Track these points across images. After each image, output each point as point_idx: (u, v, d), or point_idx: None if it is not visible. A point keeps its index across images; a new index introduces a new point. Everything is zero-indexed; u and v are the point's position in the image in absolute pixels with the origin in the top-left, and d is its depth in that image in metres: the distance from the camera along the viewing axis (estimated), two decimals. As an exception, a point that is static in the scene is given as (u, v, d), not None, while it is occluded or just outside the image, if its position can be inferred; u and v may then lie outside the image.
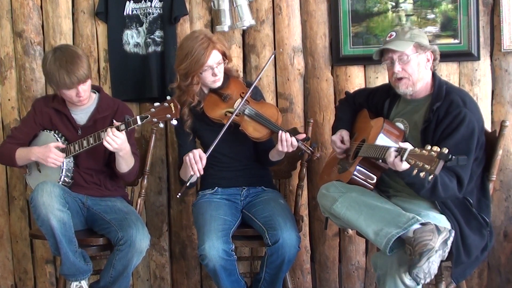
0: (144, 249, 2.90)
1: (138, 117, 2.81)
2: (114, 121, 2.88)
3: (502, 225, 3.33)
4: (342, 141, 2.93)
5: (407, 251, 2.45)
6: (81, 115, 3.07)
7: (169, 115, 2.79)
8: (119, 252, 2.88)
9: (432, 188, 2.50)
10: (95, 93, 3.13)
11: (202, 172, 2.89)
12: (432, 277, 2.42)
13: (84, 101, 3.01)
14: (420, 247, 2.39)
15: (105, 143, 2.83)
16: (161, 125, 2.84)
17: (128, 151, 2.95)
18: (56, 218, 2.78)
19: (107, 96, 3.22)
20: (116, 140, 2.82)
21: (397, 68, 2.70)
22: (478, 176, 2.71)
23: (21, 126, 3.18)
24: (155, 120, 2.81)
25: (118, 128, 2.84)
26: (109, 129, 2.83)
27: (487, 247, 2.69)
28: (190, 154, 2.89)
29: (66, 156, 2.98)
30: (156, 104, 2.82)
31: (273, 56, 3.16)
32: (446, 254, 2.46)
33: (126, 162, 2.99)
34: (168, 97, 2.84)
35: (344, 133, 2.96)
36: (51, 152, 2.93)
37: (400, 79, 2.72)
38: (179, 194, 2.89)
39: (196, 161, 2.88)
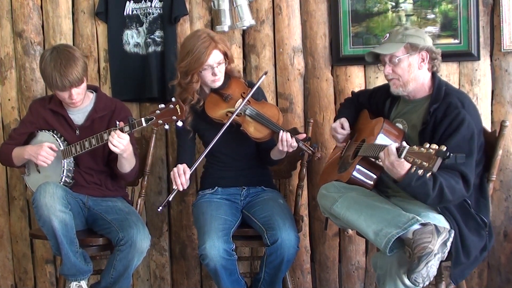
0: (145, 249, 2.90)
1: (143, 119, 2.78)
2: (118, 122, 2.85)
3: (502, 225, 3.33)
4: (343, 127, 2.95)
5: (406, 252, 2.45)
6: (78, 115, 3.06)
7: (175, 117, 2.75)
8: (120, 253, 2.88)
9: (439, 194, 2.46)
10: (92, 92, 3.12)
11: (185, 187, 2.87)
12: (431, 279, 2.42)
13: (77, 103, 2.98)
14: (419, 250, 2.39)
15: (111, 146, 2.80)
16: (167, 126, 2.79)
17: (131, 152, 2.94)
18: (58, 219, 2.78)
19: (105, 95, 3.21)
20: (122, 142, 2.80)
21: (387, 70, 2.73)
22: (476, 176, 2.70)
23: (19, 127, 3.20)
24: (160, 122, 2.76)
25: (122, 130, 2.81)
26: (113, 132, 2.80)
27: (486, 247, 2.69)
28: (175, 168, 2.88)
29: (67, 157, 2.97)
30: (161, 105, 2.78)
31: (263, 76, 3.02)
32: (446, 255, 2.46)
33: (128, 163, 2.99)
34: (173, 99, 2.80)
35: (344, 120, 2.97)
36: (42, 150, 2.93)
37: (391, 79, 2.75)
38: (160, 208, 2.87)
39: (180, 174, 2.86)
